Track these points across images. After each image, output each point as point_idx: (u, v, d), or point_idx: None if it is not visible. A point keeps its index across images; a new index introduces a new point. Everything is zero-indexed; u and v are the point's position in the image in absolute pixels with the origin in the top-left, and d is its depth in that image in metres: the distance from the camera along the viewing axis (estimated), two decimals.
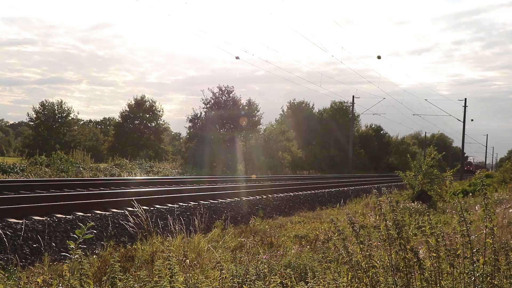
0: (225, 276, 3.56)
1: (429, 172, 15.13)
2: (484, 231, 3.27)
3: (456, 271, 3.25)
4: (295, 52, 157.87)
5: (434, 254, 3.21)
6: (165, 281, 2.81)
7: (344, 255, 3.15)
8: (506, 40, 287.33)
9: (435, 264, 3.19)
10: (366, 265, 3.03)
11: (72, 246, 2.73)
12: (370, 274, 3.00)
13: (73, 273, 3.20)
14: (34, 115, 51.36)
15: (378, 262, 3.27)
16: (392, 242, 3.16)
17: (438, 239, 3.26)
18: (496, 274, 3.10)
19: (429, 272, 3.13)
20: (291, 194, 16.91)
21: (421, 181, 15.09)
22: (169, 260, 2.84)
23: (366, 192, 21.64)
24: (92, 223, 3.19)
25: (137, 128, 55.98)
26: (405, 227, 3.21)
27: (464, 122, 45.43)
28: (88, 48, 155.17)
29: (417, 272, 3.10)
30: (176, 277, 2.79)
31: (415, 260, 3.07)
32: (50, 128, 51.10)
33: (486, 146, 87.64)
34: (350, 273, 3.14)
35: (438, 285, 3.12)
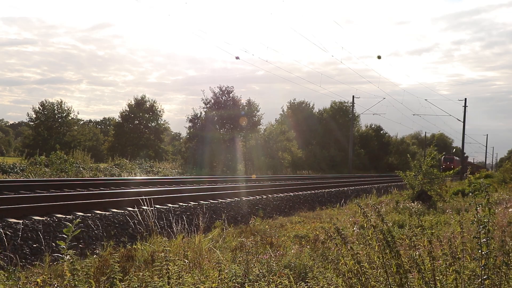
0: (224, 277, 3.56)
1: (429, 172, 15.14)
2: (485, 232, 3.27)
3: (454, 271, 3.25)
4: (295, 52, 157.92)
5: (428, 256, 3.20)
6: (163, 282, 2.81)
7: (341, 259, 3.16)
8: (506, 40, 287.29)
9: (432, 265, 3.19)
10: (357, 270, 3.04)
11: (63, 245, 2.73)
12: (363, 279, 3.01)
13: (73, 273, 3.20)
14: (34, 115, 51.41)
15: (370, 266, 3.27)
16: (383, 250, 3.15)
17: (432, 240, 3.26)
18: (492, 276, 3.09)
19: (428, 273, 3.12)
20: (291, 194, 16.91)
21: (421, 181, 15.09)
22: (167, 261, 2.84)
23: (366, 192, 21.64)
24: (79, 220, 3.19)
25: (137, 128, 56.00)
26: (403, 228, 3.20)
27: (464, 122, 45.45)
28: (88, 48, 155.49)
29: (416, 273, 3.11)
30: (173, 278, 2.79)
31: (408, 267, 3.07)
32: (50, 128, 51.11)
33: (486, 146, 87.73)
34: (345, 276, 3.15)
35: (435, 286, 3.12)
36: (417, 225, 3.40)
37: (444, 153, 53.89)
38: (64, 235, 7.58)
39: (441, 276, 3.25)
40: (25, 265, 6.35)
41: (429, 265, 3.14)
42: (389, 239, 3.07)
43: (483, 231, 3.08)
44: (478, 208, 3.22)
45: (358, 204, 3.51)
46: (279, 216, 12.93)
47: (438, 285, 3.15)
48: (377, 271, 3.29)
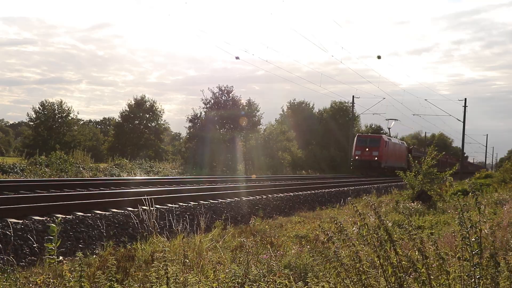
0: (224, 277, 3.56)
1: (429, 172, 15.12)
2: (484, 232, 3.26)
3: (453, 272, 3.25)
4: (295, 52, 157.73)
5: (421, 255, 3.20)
6: (161, 283, 2.80)
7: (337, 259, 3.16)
8: (506, 40, 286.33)
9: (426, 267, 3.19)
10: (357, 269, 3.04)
11: (51, 247, 2.71)
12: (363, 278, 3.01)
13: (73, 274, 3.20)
14: (34, 115, 51.40)
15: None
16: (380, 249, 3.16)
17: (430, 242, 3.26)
18: (486, 275, 3.08)
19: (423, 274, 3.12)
20: (291, 194, 16.90)
21: (421, 181, 15.08)
22: (165, 262, 2.84)
23: (366, 192, 21.63)
24: (61, 219, 3.19)
25: (137, 128, 56.03)
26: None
27: (464, 122, 45.49)
28: (88, 48, 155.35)
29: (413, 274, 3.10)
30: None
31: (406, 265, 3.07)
32: (50, 128, 51.11)
33: (486, 146, 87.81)
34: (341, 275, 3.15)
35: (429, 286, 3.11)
36: (411, 225, 3.39)
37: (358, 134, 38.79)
38: (64, 235, 7.57)
39: (434, 276, 3.25)
40: (25, 265, 6.34)
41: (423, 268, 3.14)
42: (391, 235, 3.08)
43: (474, 231, 3.09)
44: (482, 208, 3.20)
45: (353, 204, 3.49)
46: (279, 216, 12.93)
47: (434, 284, 3.15)
48: (377, 271, 3.30)
